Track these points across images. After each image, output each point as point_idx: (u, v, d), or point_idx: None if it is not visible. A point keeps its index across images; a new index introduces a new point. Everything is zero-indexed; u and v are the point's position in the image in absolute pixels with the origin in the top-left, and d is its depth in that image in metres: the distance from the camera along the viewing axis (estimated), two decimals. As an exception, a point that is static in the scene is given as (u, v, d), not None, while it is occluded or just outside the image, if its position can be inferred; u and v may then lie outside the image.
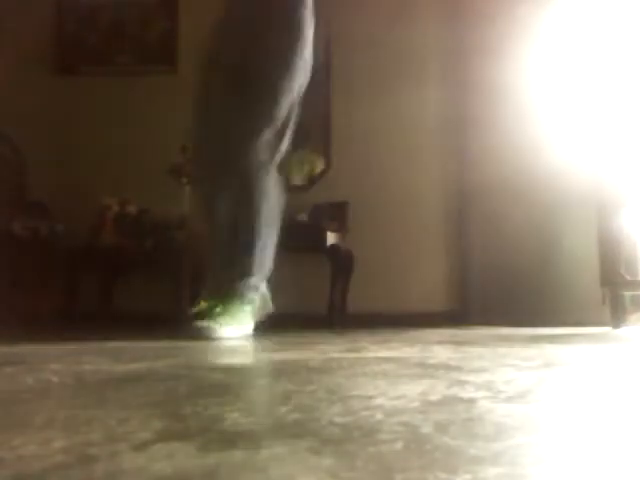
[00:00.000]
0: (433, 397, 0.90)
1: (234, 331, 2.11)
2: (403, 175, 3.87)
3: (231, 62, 2.34)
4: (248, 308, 2.22)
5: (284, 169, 2.56)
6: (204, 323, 2.07)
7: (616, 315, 3.04)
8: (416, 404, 0.84)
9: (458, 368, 1.28)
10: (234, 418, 0.75)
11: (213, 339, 2.03)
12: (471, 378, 1.11)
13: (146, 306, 3.58)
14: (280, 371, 1.28)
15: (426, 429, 0.68)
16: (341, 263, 3.58)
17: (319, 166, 3.93)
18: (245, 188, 2.22)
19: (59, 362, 1.46)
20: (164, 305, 3.39)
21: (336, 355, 1.62)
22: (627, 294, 3.10)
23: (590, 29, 3.64)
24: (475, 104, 3.78)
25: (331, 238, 3.46)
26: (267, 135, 2.21)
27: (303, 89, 2.29)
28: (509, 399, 0.89)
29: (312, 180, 3.92)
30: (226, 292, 2.15)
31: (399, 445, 0.61)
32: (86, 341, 2.15)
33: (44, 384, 1.09)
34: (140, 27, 4.13)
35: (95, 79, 4.09)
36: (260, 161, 2.22)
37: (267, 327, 2.76)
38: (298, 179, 3.88)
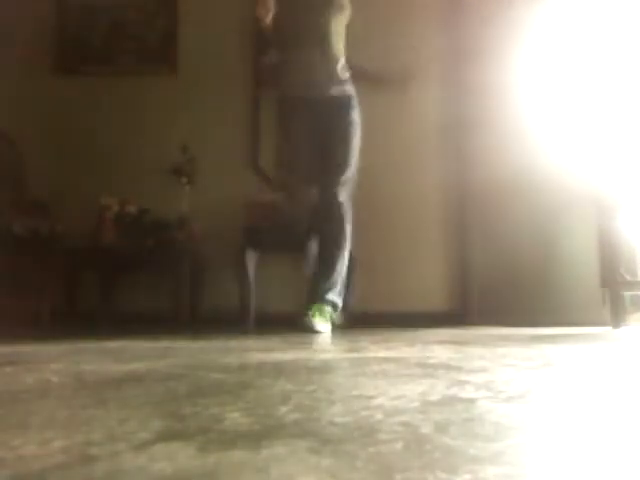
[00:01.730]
0: (433, 397, 0.90)
1: (326, 327, 2.74)
2: (403, 175, 3.87)
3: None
4: (335, 312, 2.88)
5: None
6: (312, 320, 2.70)
7: (616, 315, 3.04)
8: (416, 404, 0.84)
9: (458, 368, 1.28)
10: (234, 418, 0.75)
11: (316, 332, 2.64)
12: (471, 378, 1.11)
13: (146, 306, 3.58)
14: (280, 371, 1.28)
15: (426, 429, 0.68)
16: (341, 263, 3.57)
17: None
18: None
19: (59, 362, 1.46)
20: (164, 305, 3.39)
21: (336, 355, 1.62)
22: (627, 294, 3.10)
23: (589, 31, 3.65)
24: (475, 105, 3.78)
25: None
26: None
27: None
28: (509, 399, 0.89)
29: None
30: (323, 299, 2.82)
31: (399, 445, 0.61)
32: (86, 341, 2.15)
33: (44, 384, 1.09)
34: (140, 27, 4.13)
35: (95, 79, 4.09)
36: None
37: (267, 327, 2.76)
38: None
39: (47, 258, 3.40)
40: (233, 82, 4.02)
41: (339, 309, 2.89)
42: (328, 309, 2.81)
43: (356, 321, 3.27)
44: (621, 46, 3.55)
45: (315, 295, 2.82)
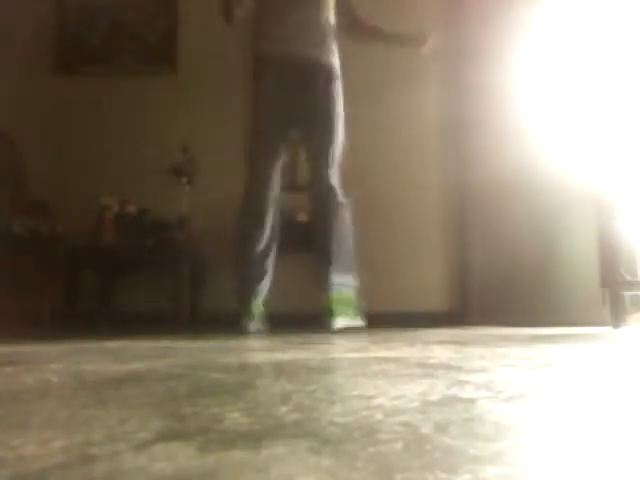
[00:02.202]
0: (433, 397, 0.90)
1: (348, 321, 2.70)
2: (403, 175, 3.87)
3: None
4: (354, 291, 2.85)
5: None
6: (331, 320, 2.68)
7: (616, 315, 3.04)
8: (416, 404, 0.84)
9: (458, 368, 1.28)
10: (234, 418, 0.75)
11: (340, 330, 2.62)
12: (471, 378, 1.11)
13: (146, 306, 3.58)
14: (280, 371, 1.28)
15: (426, 429, 0.68)
16: (341, 263, 3.57)
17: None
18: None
19: (59, 362, 1.46)
20: (164, 305, 3.39)
21: (336, 355, 1.62)
22: (627, 294, 3.10)
23: (589, 31, 3.65)
24: (475, 105, 3.78)
25: (331, 238, 3.46)
26: None
27: None
28: (509, 399, 0.89)
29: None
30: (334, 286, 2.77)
31: (399, 445, 0.61)
32: (86, 341, 2.15)
33: (44, 384, 1.09)
34: (140, 27, 4.13)
35: (95, 79, 4.09)
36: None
37: (267, 327, 2.76)
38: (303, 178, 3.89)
39: (47, 258, 3.40)
40: (233, 82, 4.02)
41: (355, 285, 2.80)
42: (345, 294, 2.75)
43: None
44: (621, 46, 3.55)
45: (327, 286, 2.74)
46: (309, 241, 3.49)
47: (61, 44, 4.13)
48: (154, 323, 3.12)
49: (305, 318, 3.34)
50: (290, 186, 3.91)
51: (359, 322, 2.72)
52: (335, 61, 2.87)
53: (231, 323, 3.06)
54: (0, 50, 3.96)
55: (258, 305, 2.81)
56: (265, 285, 2.85)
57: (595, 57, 3.60)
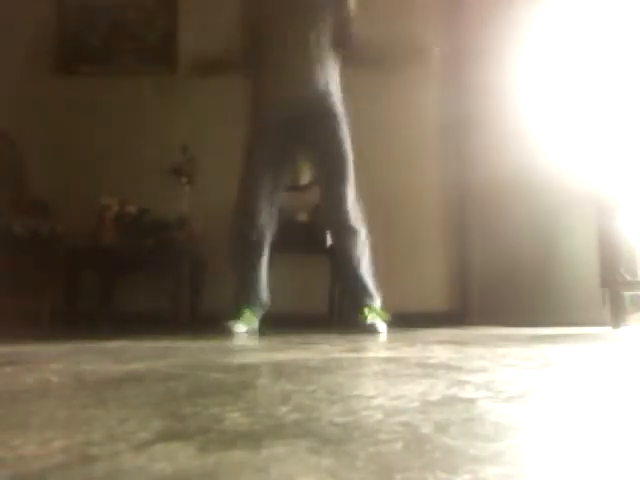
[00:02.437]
0: (433, 397, 0.90)
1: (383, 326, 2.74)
2: (403, 175, 3.87)
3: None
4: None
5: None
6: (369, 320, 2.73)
7: (616, 315, 3.04)
8: (416, 404, 0.84)
9: (458, 368, 1.28)
10: (234, 418, 0.75)
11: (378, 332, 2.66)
12: (471, 378, 1.11)
13: (146, 306, 3.58)
14: (280, 371, 1.28)
15: (426, 429, 0.68)
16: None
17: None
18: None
19: (59, 362, 1.46)
20: (164, 305, 3.38)
21: (336, 355, 1.62)
22: (627, 294, 3.10)
23: (589, 31, 3.65)
24: (475, 105, 3.77)
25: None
26: None
27: None
28: (509, 399, 0.89)
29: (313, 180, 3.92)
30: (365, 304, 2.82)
31: (399, 445, 0.61)
32: (86, 341, 2.15)
33: (44, 384, 1.09)
34: (140, 27, 4.13)
35: (95, 79, 4.09)
36: None
37: (267, 327, 2.76)
38: (305, 179, 3.89)
39: (47, 258, 3.40)
40: (233, 82, 4.01)
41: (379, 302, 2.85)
42: (375, 307, 2.80)
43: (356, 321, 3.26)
44: (621, 46, 3.55)
45: (358, 302, 2.81)
46: (309, 241, 3.50)
47: (61, 44, 4.13)
48: (154, 323, 3.12)
49: (305, 318, 3.34)
50: (290, 186, 3.91)
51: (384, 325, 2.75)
52: (337, 100, 2.83)
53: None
54: (0, 50, 3.96)
55: (248, 309, 2.79)
56: (258, 290, 2.84)
57: (595, 57, 3.59)
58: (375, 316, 2.76)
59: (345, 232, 2.81)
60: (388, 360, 1.50)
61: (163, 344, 2.05)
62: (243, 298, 2.82)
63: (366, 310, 2.77)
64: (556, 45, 3.76)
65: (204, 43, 4.04)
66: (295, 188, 3.84)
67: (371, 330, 2.67)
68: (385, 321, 2.77)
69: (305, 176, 3.91)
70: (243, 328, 2.71)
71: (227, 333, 2.60)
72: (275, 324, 2.81)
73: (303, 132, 2.80)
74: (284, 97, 2.79)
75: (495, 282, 3.74)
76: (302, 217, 3.61)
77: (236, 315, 2.74)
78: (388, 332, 2.69)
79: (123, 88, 4.02)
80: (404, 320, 3.30)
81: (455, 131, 3.87)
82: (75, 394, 1.01)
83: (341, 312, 3.56)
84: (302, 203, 3.66)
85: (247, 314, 2.77)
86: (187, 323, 3.29)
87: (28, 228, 3.36)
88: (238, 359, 1.61)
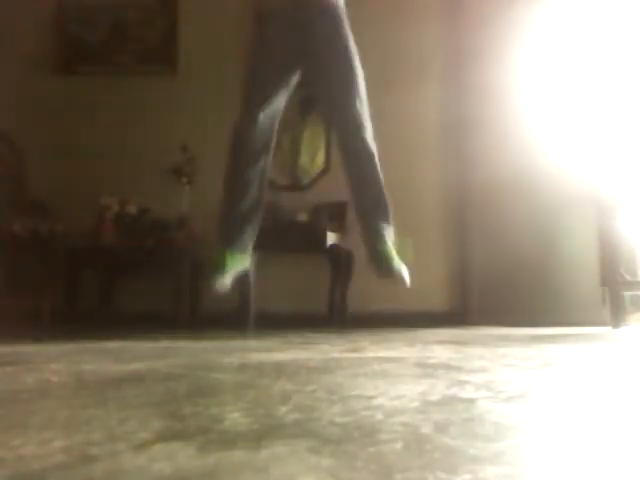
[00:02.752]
0: (433, 397, 0.90)
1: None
2: (403, 175, 3.86)
3: None
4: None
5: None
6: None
7: (616, 315, 3.04)
8: (416, 404, 0.84)
9: (458, 368, 1.28)
10: (234, 418, 0.75)
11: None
12: (471, 378, 1.11)
13: (146, 306, 3.58)
14: (280, 371, 1.28)
15: (426, 429, 0.68)
16: (341, 263, 3.58)
17: (321, 155, 3.93)
18: None
19: (59, 362, 1.46)
20: (164, 305, 3.38)
21: (336, 355, 1.62)
22: (627, 294, 3.10)
23: (589, 31, 3.65)
24: (475, 105, 3.77)
25: (331, 238, 3.46)
26: None
27: None
28: (509, 399, 0.89)
29: (312, 180, 3.92)
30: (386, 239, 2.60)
31: (399, 445, 0.61)
32: (86, 341, 2.15)
33: (44, 384, 1.09)
34: (140, 27, 4.13)
35: (95, 79, 4.09)
36: None
37: (267, 327, 2.76)
38: (305, 178, 3.89)
39: (47, 258, 3.40)
40: (233, 82, 4.01)
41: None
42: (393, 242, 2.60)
43: (356, 321, 3.27)
44: (621, 46, 3.55)
45: (381, 236, 2.57)
46: (309, 241, 3.50)
47: (61, 44, 4.13)
48: (154, 323, 3.12)
49: (305, 318, 3.34)
50: (290, 186, 3.91)
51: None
52: (341, 5, 2.63)
53: (232, 323, 3.06)
54: (0, 50, 3.96)
55: (236, 256, 2.48)
56: (248, 237, 2.57)
57: (595, 57, 3.60)
58: (399, 258, 2.52)
59: (364, 159, 2.55)
60: (388, 360, 1.50)
61: (163, 344, 2.05)
62: (224, 236, 2.52)
63: (389, 248, 2.53)
64: (556, 45, 3.76)
65: (204, 43, 4.05)
66: (296, 188, 3.85)
67: (397, 278, 2.47)
68: (408, 260, 2.57)
69: (305, 176, 3.91)
70: (229, 279, 2.40)
71: (212, 287, 2.35)
72: (275, 324, 2.81)
73: (308, 31, 2.58)
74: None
75: (495, 282, 3.74)
76: (302, 217, 3.61)
77: (220, 265, 2.41)
78: (388, 332, 2.69)
79: (123, 88, 4.02)
80: (404, 320, 3.30)
81: (455, 131, 3.87)
82: (75, 394, 1.01)
83: (342, 312, 3.56)
84: (302, 203, 3.66)
85: (229, 259, 2.45)
86: (187, 323, 3.29)
87: (28, 228, 3.36)
88: (238, 359, 1.61)
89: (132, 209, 3.61)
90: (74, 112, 4.01)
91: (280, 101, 2.66)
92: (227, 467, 0.53)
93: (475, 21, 3.91)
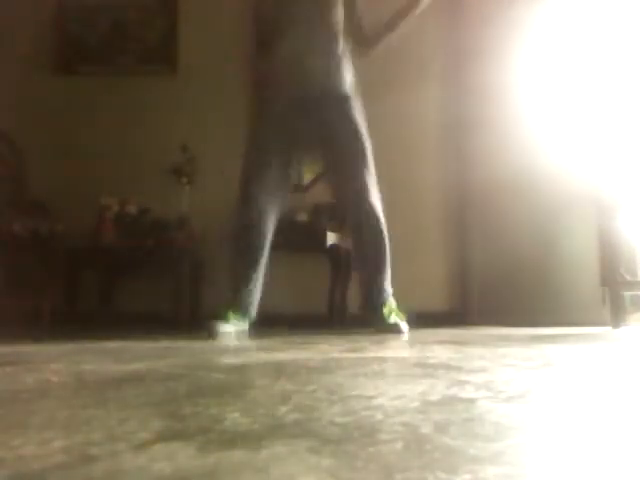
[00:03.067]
0: (433, 397, 0.90)
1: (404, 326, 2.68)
2: (403, 175, 3.87)
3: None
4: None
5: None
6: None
7: (616, 315, 3.04)
8: (416, 404, 0.84)
9: (458, 368, 1.28)
10: (234, 418, 0.75)
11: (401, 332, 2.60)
12: (471, 378, 1.11)
13: (146, 306, 3.58)
14: (280, 371, 1.28)
15: (426, 429, 0.68)
16: (341, 263, 3.58)
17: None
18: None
19: (59, 362, 1.46)
20: (164, 305, 3.39)
21: (336, 355, 1.62)
22: (627, 294, 3.10)
23: (589, 31, 3.65)
24: (475, 105, 3.78)
25: (331, 238, 3.46)
26: None
27: None
28: (509, 399, 0.89)
29: (313, 180, 3.92)
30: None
31: (399, 445, 0.61)
32: (86, 341, 2.15)
33: (44, 384, 1.09)
34: (140, 27, 4.13)
35: (95, 79, 4.09)
36: None
37: (268, 327, 2.76)
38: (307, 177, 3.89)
39: (47, 258, 3.40)
40: (233, 82, 4.02)
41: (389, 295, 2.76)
42: (390, 305, 2.71)
43: (356, 321, 3.26)
44: (621, 46, 3.55)
45: (377, 300, 2.70)
46: (309, 241, 3.50)
47: (61, 44, 4.13)
48: (154, 323, 3.12)
49: (305, 318, 3.34)
50: (290, 186, 3.91)
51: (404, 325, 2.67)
52: (348, 84, 2.72)
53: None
54: (0, 50, 3.96)
55: (233, 314, 2.62)
56: (247, 295, 2.68)
57: (595, 57, 3.59)
58: (395, 315, 2.68)
59: (369, 227, 2.65)
60: (388, 360, 1.50)
61: (163, 344, 2.05)
62: (231, 299, 2.65)
63: (385, 309, 2.68)
64: (556, 45, 3.76)
65: (204, 43, 4.05)
66: (296, 188, 3.85)
67: (395, 330, 2.57)
68: (403, 320, 2.69)
69: (306, 176, 3.91)
70: (230, 328, 2.55)
71: (211, 333, 2.44)
72: (275, 324, 2.81)
73: (315, 113, 2.64)
74: (296, 75, 2.65)
75: (495, 282, 3.74)
76: (302, 217, 3.61)
77: (223, 316, 2.57)
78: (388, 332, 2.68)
79: (123, 88, 4.02)
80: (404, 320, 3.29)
81: (455, 131, 3.88)
82: (75, 394, 1.01)
83: (342, 312, 3.56)
84: (302, 203, 3.66)
85: (232, 317, 2.60)
86: (187, 323, 3.29)
87: (28, 228, 3.36)
88: (238, 359, 1.61)
89: (132, 209, 3.61)
90: (74, 112, 4.01)
91: (285, 175, 2.71)
92: (227, 467, 0.53)
93: (475, 21, 3.91)
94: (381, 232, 2.69)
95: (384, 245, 2.72)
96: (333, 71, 2.69)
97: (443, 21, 3.98)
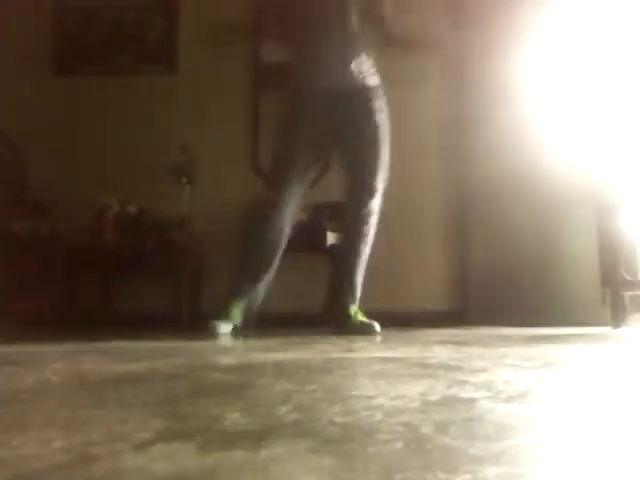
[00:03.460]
0: (433, 397, 0.90)
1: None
2: (403, 175, 3.85)
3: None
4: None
5: None
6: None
7: (616, 315, 3.04)
8: (416, 404, 0.84)
9: (458, 368, 1.28)
10: (234, 418, 0.75)
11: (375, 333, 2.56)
12: (471, 378, 1.11)
13: (146, 306, 3.58)
14: (280, 371, 1.28)
15: (426, 429, 0.68)
16: (341, 263, 3.57)
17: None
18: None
19: (59, 362, 1.46)
20: (164, 305, 3.39)
21: (336, 355, 1.62)
22: (627, 294, 3.10)
23: (591, 30, 3.65)
24: (475, 104, 3.77)
25: (331, 238, 3.46)
26: None
27: None
28: (509, 399, 0.89)
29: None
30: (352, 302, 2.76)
31: (399, 445, 0.61)
32: (86, 341, 2.15)
33: (44, 384, 1.09)
34: (140, 27, 4.13)
35: (95, 79, 4.09)
36: None
37: (268, 327, 2.76)
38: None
39: (47, 258, 3.40)
40: (233, 82, 4.02)
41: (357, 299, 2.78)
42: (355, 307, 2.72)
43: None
44: (623, 46, 3.55)
45: (347, 300, 2.71)
46: (309, 241, 3.50)
47: (61, 44, 4.13)
48: (154, 323, 3.12)
49: (305, 318, 3.34)
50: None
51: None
52: (373, 82, 2.78)
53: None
54: (0, 50, 3.96)
55: (239, 310, 2.62)
56: (258, 292, 2.71)
57: (596, 57, 3.59)
58: (362, 315, 2.67)
59: (359, 228, 2.74)
60: (388, 360, 1.50)
61: (163, 344, 2.05)
62: (235, 295, 2.64)
63: (353, 309, 2.68)
64: (559, 45, 3.76)
65: (204, 43, 4.05)
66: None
67: (368, 330, 2.55)
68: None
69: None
70: (228, 328, 2.55)
71: (211, 333, 2.46)
72: (275, 324, 2.80)
73: (344, 108, 2.69)
74: (322, 70, 2.70)
75: (495, 282, 3.74)
76: (302, 217, 3.61)
77: (224, 312, 2.57)
78: (388, 331, 2.69)
79: (123, 88, 4.02)
80: (404, 320, 3.30)
81: (456, 131, 3.87)
82: (75, 394, 1.01)
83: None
84: (302, 203, 3.66)
85: (235, 310, 2.60)
86: (187, 323, 3.29)
87: (28, 228, 3.36)
88: (238, 359, 1.61)
89: (132, 209, 3.61)
90: (74, 112, 4.01)
91: (307, 176, 2.79)
92: (227, 467, 0.53)
93: (477, 21, 3.90)
94: (368, 230, 2.76)
95: (368, 245, 2.78)
96: (357, 67, 2.73)
97: (444, 20, 3.98)
